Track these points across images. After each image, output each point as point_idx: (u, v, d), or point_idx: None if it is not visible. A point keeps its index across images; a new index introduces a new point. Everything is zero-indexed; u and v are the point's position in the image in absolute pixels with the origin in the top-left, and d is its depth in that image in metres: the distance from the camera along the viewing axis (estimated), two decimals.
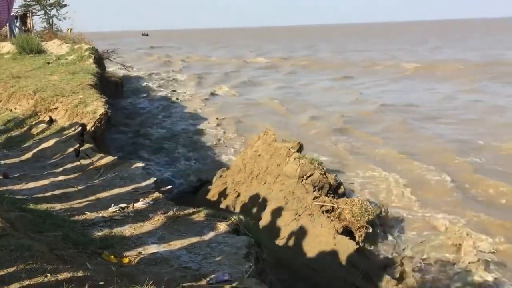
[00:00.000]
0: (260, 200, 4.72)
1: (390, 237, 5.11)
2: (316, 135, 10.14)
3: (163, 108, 13.43)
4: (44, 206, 3.36)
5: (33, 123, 6.32)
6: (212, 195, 5.44)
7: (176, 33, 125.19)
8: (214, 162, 8.34)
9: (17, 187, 3.99)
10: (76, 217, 3.13)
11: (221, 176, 5.69)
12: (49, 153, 5.13)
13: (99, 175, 4.30)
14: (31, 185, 4.05)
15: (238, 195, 5.09)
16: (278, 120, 11.81)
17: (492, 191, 6.60)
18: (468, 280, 4.40)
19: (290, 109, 13.18)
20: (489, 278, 4.47)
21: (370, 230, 4.50)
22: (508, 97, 14.09)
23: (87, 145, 5.23)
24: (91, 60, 10.50)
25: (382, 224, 5.10)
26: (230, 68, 25.69)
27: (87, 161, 4.73)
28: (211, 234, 2.80)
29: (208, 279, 2.18)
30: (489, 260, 4.80)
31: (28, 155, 5.15)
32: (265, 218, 4.45)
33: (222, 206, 5.07)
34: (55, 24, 20.72)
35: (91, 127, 5.88)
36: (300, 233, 4.16)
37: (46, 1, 20.79)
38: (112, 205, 3.34)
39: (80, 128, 5.73)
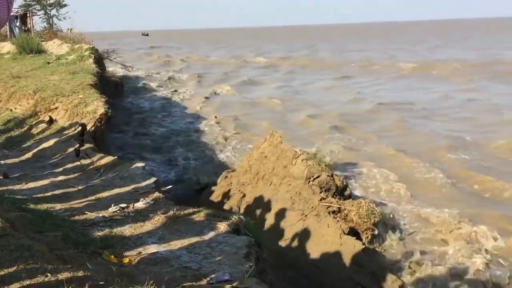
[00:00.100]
0: (266, 200, 4.73)
1: (393, 236, 5.12)
2: (313, 133, 10.20)
3: (163, 107, 13.44)
4: (44, 206, 3.36)
5: (33, 123, 6.31)
6: (217, 195, 5.45)
7: (176, 33, 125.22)
8: (213, 161, 8.35)
9: (17, 187, 3.99)
10: (76, 217, 3.13)
11: (226, 177, 5.71)
12: (49, 153, 5.13)
13: (99, 175, 4.30)
14: (31, 185, 4.05)
15: (244, 196, 5.10)
16: (277, 118, 11.90)
17: (492, 187, 6.73)
18: (469, 276, 4.41)
19: (289, 108, 13.29)
20: (494, 275, 4.49)
21: (376, 232, 4.55)
22: (504, 96, 14.20)
23: (87, 145, 5.23)
24: (91, 60, 10.50)
25: (385, 223, 5.11)
26: (230, 68, 25.71)
27: (87, 161, 4.73)
28: (211, 234, 2.80)
29: (208, 279, 2.18)
30: (492, 257, 4.82)
31: (28, 155, 5.15)
32: (271, 218, 4.47)
33: (227, 206, 5.08)
34: (55, 24, 20.74)
35: (91, 127, 5.88)
36: (307, 233, 4.19)
37: (46, 1, 20.79)
38: (112, 205, 3.34)
39: (80, 128, 5.72)
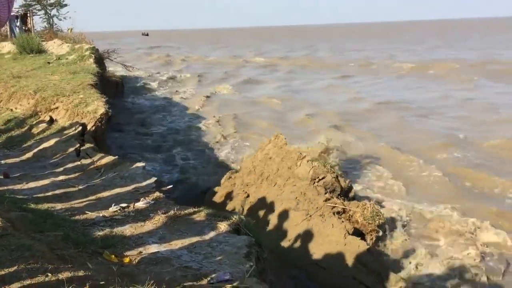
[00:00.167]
0: (271, 200, 4.75)
1: (394, 234, 5.13)
2: (312, 131, 10.27)
3: (164, 107, 13.45)
4: (44, 206, 3.36)
5: (34, 122, 6.31)
6: (220, 196, 5.46)
7: (175, 33, 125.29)
8: (213, 160, 8.36)
9: (17, 186, 3.99)
10: (77, 217, 3.14)
11: (229, 177, 5.73)
12: (49, 152, 5.13)
13: (99, 175, 4.30)
14: (32, 184, 4.05)
15: (248, 196, 5.11)
16: (276, 117, 11.97)
17: (489, 184, 6.86)
18: (470, 274, 4.43)
19: (288, 107, 13.36)
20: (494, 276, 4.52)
21: (381, 233, 4.61)
22: (501, 95, 14.28)
23: (87, 145, 5.23)
24: (91, 60, 10.50)
25: (385, 221, 5.13)
26: (230, 68, 25.72)
27: (88, 161, 4.73)
28: (212, 234, 2.80)
29: (209, 278, 2.18)
30: (492, 252, 4.86)
31: (29, 154, 5.15)
32: (276, 218, 4.49)
33: (231, 206, 5.09)
34: (56, 24, 20.74)
35: (92, 126, 5.88)
36: (311, 233, 4.22)
37: (47, 1, 20.79)
38: (113, 204, 3.34)
39: (80, 127, 5.72)
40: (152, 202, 3.41)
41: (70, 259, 2.15)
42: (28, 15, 17.16)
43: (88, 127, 5.86)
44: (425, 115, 11.73)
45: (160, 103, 14.10)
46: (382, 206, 5.68)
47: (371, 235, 4.43)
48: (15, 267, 1.94)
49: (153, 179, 3.99)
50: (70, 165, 4.65)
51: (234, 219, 3.02)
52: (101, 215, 3.16)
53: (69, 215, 3.16)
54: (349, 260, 3.93)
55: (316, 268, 3.97)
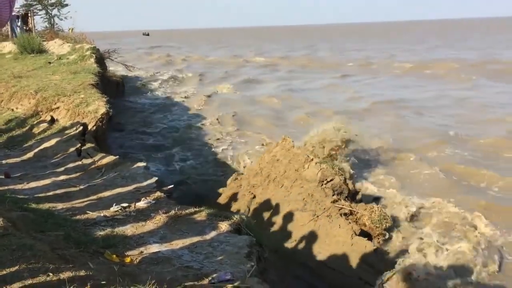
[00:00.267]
0: (277, 201, 4.78)
1: (396, 231, 5.15)
2: (310, 129, 10.33)
3: (165, 106, 13.46)
4: (45, 206, 3.36)
5: (35, 122, 6.32)
6: (226, 196, 5.49)
7: (176, 33, 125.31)
8: (214, 160, 8.37)
9: (18, 186, 4.00)
10: (78, 217, 3.14)
11: (235, 179, 5.75)
12: (50, 152, 5.13)
13: (100, 175, 4.30)
14: (33, 184, 4.05)
15: (254, 197, 5.14)
16: (276, 116, 12.05)
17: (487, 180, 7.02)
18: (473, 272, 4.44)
19: (288, 106, 13.45)
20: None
21: (387, 236, 4.65)
22: (499, 94, 14.37)
23: (88, 145, 5.23)
24: (92, 60, 10.51)
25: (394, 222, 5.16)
26: (231, 67, 25.72)
27: (89, 161, 4.73)
28: (213, 234, 2.80)
29: (210, 278, 2.18)
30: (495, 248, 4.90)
31: (30, 154, 5.15)
32: (283, 218, 4.53)
33: (236, 206, 5.12)
34: (57, 24, 20.76)
35: (93, 126, 5.89)
36: (318, 233, 4.25)
37: (48, 1, 20.82)
38: (114, 204, 3.34)
39: (81, 127, 5.73)
40: (153, 202, 3.41)
41: (71, 259, 2.15)
42: (29, 15, 17.18)
43: (89, 127, 5.87)
44: (423, 114, 11.84)
45: (160, 102, 14.11)
46: (381, 202, 5.72)
47: (378, 238, 4.46)
48: (17, 267, 1.94)
49: (154, 179, 4.00)
50: (71, 165, 4.65)
51: (235, 219, 3.02)
52: (102, 215, 3.16)
53: (70, 215, 3.16)
54: (356, 261, 3.96)
55: (323, 267, 4.00)
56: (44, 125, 6.15)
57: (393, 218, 5.44)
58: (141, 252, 2.54)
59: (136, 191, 3.73)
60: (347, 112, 12.18)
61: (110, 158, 4.68)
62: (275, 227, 4.45)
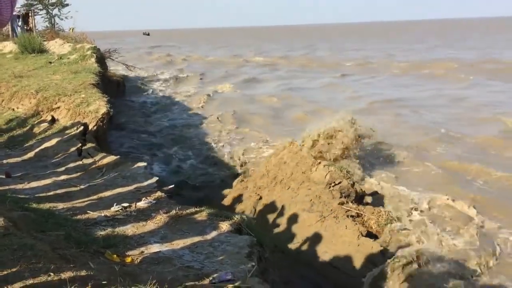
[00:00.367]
0: (284, 202, 4.82)
1: (399, 229, 5.17)
2: (308, 127, 10.40)
3: (165, 106, 13.49)
4: (46, 206, 3.36)
5: (35, 122, 6.32)
6: (231, 197, 5.51)
7: (176, 32, 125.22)
8: (215, 159, 8.39)
9: (19, 186, 4.00)
10: (79, 217, 3.14)
11: (242, 181, 5.79)
12: (51, 152, 5.13)
13: (101, 175, 4.30)
14: (34, 184, 4.06)
15: (260, 198, 5.19)
16: (275, 115, 12.17)
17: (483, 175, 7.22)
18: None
19: (287, 105, 13.55)
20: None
21: (392, 237, 4.67)
22: (495, 94, 14.47)
23: (89, 145, 5.23)
24: (93, 60, 10.52)
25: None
26: (231, 67, 25.74)
27: (89, 161, 4.73)
28: (214, 234, 2.80)
29: (210, 278, 2.18)
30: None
31: (30, 154, 5.16)
32: (289, 219, 4.56)
33: (242, 207, 5.15)
34: (57, 24, 20.77)
35: (93, 126, 5.89)
36: (325, 233, 4.29)
37: (48, 1, 20.83)
38: (115, 204, 3.35)
39: (82, 127, 5.73)
40: (154, 201, 3.41)
41: (72, 259, 2.16)
42: (30, 14, 17.18)
43: (90, 127, 5.87)
44: (420, 113, 11.97)
45: (161, 102, 14.13)
46: (382, 199, 5.76)
47: (384, 240, 4.49)
48: (18, 267, 1.94)
49: (155, 179, 4.00)
50: (71, 165, 4.66)
51: (235, 219, 3.02)
52: (103, 214, 3.17)
53: (71, 215, 3.17)
54: (362, 261, 4.00)
55: (328, 267, 4.04)
56: (45, 125, 6.15)
57: (396, 215, 5.47)
58: (142, 252, 2.54)
59: (136, 191, 3.73)
60: (347, 110, 12.29)
61: (110, 158, 4.69)
62: (281, 227, 4.49)
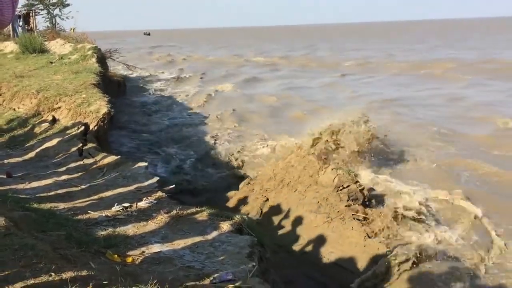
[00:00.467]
0: (291, 204, 4.85)
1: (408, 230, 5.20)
2: (308, 126, 10.45)
3: (166, 106, 13.51)
4: (47, 206, 3.37)
5: (36, 122, 6.33)
6: (237, 199, 5.54)
7: (176, 32, 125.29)
8: (216, 159, 8.41)
9: (20, 186, 4.01)
10: (80, 217, 3.14)
11: (248, 183, 5.82)
12: (52, 152, 5.14)
13: (102, 175, 4.31)
14: (35, 184, 4.06)
15: (267, 200, 5.21)
16: (274, 114, 12.25)
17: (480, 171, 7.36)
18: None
19: (286, 104, 13.63)
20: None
21: (398, 237, 4.69)
22: (492, 93, 14.54)
23: (90, 145, 5.24)
24: (94, 60, 10.53)
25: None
26: (231, 67, 25.75)
27: (90, 161, 4.74)
28: (214, 234, 2.80)
29: (211, 278, 2.19)
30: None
31: (31, 154, 5.16)
32: (295, 220, 4.59)
33: (248, 208, 5.17)
34: (58, 24, 20.81)
35: (94, 126, 5.89)
36: (331, 234, 4.33)
37: (49, 1, 20.86)
38: (115, 204, 3.35)
39: (83, 127, 5.73)
40: (155, 201, 3.42)
41: (73, 259, 2.16)
42: (31, 14, 17.21)
43: (91, 127, 5.88)
44: (418, 112, 12.06)
45: (162, 101, 14.15)
46: (382, 198, 5.78)
47: (390, 241, 4.51)
48: (19, 267, 1.95)
49: (155, 179, 4.00)
50: (72, 165, 4.66)
51: (236, 219, 3.02)
52: (103, 214, 3.17)
53: (72, 215, 3.17)
54: (368, 261, 4.03)
55: (335, 267, 4.07)
56: (46, 125, 6.16)
57: (397, 215, 5.49)
58: (143, 252, 2.54)
59: (137, 191, 3.74)
60: (344, 109, 12.37)
61: (111, 158, 4.69)
62: (288, 228, 4.53)
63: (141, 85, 17.43)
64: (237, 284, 2.12)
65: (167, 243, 2.67)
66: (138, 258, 2.43)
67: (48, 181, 4.14)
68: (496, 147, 8.48)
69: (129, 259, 2.40)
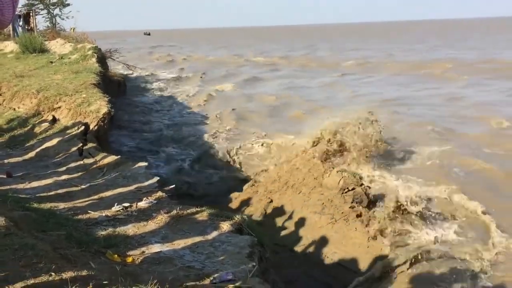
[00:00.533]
0: (295, 205, 4.89)
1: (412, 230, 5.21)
2: (307, 126, 10.49)
3: (166, 106, 13.52)
4: (47, 205, 3.37)
5: (36, 122, 6.33)
6: (240, 200, 5.57)
7: (176, 32, 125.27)
8: (216, 158, 8.43)
9: (20, 186, 4.01)
10: (80, 216, 3.14)
11: (252, 185, 5.84)
12: (52, 152, 5.14)
13: (102, 174, 4.31)
14: (35, 184, 4.06)
15: (271, 201, 5.24)
16: (273, 113, 12.33)
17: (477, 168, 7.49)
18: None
19: (285, 104, 13.69)
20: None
21: (402, 237, 4.71)
22: (490, 93, 14.62)
23: (90, 144, 5.24)
24: (94, 59, 10.53)
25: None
26: (231, 67, 25.76)
27: (90, 160, 4.74)
28: (214, 234, 2.80)
29: (211, 278, 2.19)
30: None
31: (32, 154, 5.16)
32: (300, 220, 4.62)
33: (252, 209, 5.19)
34: (58, 23, 20.82)
35: (94, 126, 5.90)
36: (335, 235, 4.38)
37: (49, 1, 20.86)
38: (116, 204, 3.35)
39: (83, 127, 5.74)
40: (155, 201, 3.42)
41: (73, 259, 2.16)
42: (31, 14, 17.22)
43: (91, 127, 5.88)
44: (416, 111, 12.14)
45: (162, 101, 14.16)
46: (383, 196, 5.79)
47: (393, 241, 4.54)
48: (19, 267, 1.95)
49: (156, 179, 4.00)
50: (72, 165, 4.66)
51: (236, 219, 3.02)
52: (103, 214, 3.17)
53: (72, 215, 3.17)
54: (371, 262, 4.07)
55: (337, 267, 4.11)
56: (46, 124, 6.16)
57: (399, 214, 5.49)
58: (143, 252, 2.54)
59: (137, 191, 3.74)
60: (344, 109, 12.42)
61: (111, 158, 4.69)
62: (292, 229, 4.56)
63: (141, 85, 17.43)
64: (237, 284, 2.12)
65: (167, 243, 2.67)
66: (138, 258, 2.43)
67: (48, 181, 4.14)
68: (492, 145, 8.58)
69: (129, 259, 2.40)
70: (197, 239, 2.73)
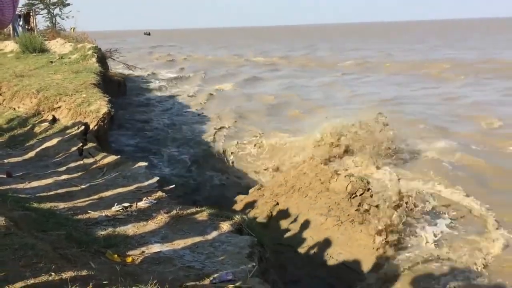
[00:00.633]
0: (301, 208, 4.92)
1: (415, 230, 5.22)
2: (307, 126, 10.51)
3: (166, 105, 13.52)
4: (47, 205, 3.37)
5: (36, 122, 6.33)
6: (246, 202, 5.59)
7: (176, 32, 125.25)
8: (216, 158, 8.45)
9: (20, 186, 4.01)
10: (80, 216, 3.15)
11: (259, 189, 5.88)
12: (52, 152, 5.14)
13: (102, 174, 4.31)
14: (35, 184, 4.06)
15: (277, 204, 5.27)
16: (275, 113, 12.41)
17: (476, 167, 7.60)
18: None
19: (285, 103, 13.77)
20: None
21: (407, 239, 4.77)
22: (488, 92, 14.68)
23: (90, 144, 5.24)
24: (94, 59, 10.53)
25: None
26: (231, 67, 25.77)
27: (90, 160, 4.74)
28: (214, 234, 2.81)
29: (211, 278, 2.19)
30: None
31: (31, 154, 5.16)
32: (306, 222, 4.65)
33: (257, 211, 5.23)
34: (58, 23, 20.82)
35: (94, 126, 5.90)
36: (341, 236, 4.41)
37: (50, 0, 20.86)
38: (115, 204, 3.35)
39: (83, 127, 5.74)
40: (155, 201, 3.42)
41: (73, 259, 2.16)
42: (31, 14, 17.21)
43: (91, 127, 5.88)
44: (415, 110, 12.20)
45: (162, 101, 14.17)
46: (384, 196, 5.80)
47: (398, 243, 4.57)
48: (19, 267, 1.95)
49: (156, 179, 4.00)
50: (72, 165, 4.66)
51: (236, 219, 3.02)
52: (103, 214, 3.17)
53: (72, 215, 3.17)
54: (376, 263, 4.13)
55: (343, 268, 4.14)
56: (46, 124, 6.16)
57: (401, 213, 5.49)
58: (143, 252, 2.54)
59: (137, 191, 3.74)
60: (344, 108, 12.43)
61: (111, 158, 4.69)
62: (297, 230, 4.58)
63: (142, 84, 17.43)
64: (237, 284, 2.12)
65: (167, 243, 2.67)
66: (138, 258, 2.43)
67: (48, 180, 4.14)
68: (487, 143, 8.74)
69: (129, 259, 2.40)
70: (197, 239, 2.73)
